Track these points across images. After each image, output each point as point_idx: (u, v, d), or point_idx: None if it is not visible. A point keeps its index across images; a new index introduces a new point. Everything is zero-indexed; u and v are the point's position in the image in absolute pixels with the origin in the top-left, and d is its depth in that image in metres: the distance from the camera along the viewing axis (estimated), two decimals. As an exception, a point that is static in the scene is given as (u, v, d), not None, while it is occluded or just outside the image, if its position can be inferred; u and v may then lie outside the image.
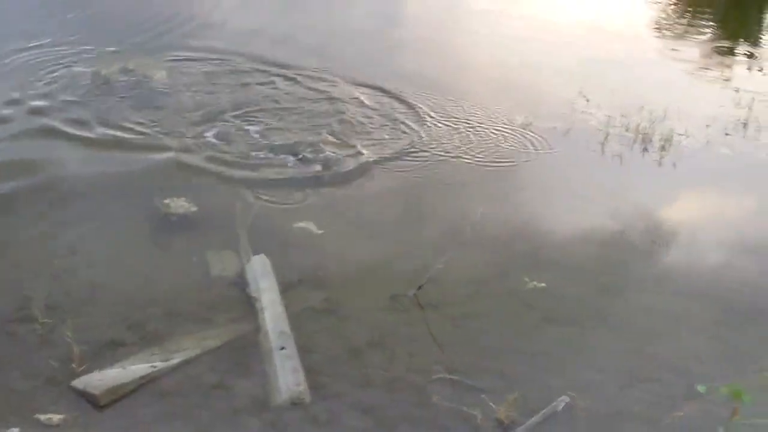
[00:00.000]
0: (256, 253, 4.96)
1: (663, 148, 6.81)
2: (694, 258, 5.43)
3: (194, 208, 5.36)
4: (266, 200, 5.64)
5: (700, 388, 3.68)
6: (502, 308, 4.82)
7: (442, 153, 6.55)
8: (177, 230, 5.18)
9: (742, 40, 10.27)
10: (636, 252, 5.45)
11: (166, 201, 5.38)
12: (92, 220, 5.27)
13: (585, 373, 4.30)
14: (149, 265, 4.88)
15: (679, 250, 5.53)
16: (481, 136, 6.89)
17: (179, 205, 5.35)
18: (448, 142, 6.75)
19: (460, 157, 6.52)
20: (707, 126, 7.19)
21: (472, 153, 6.59)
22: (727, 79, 8.58)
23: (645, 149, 6.83)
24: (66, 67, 7.54)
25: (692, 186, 6.38)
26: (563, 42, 9.52)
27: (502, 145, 6.78)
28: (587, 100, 7.59)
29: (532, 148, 6.74)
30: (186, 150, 6.25)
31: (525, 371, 4.30)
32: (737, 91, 8.02)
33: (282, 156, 6.27)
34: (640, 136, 6.94)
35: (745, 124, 7.31)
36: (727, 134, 7.14)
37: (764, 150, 6.88)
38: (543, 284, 4.94)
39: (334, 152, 6.36)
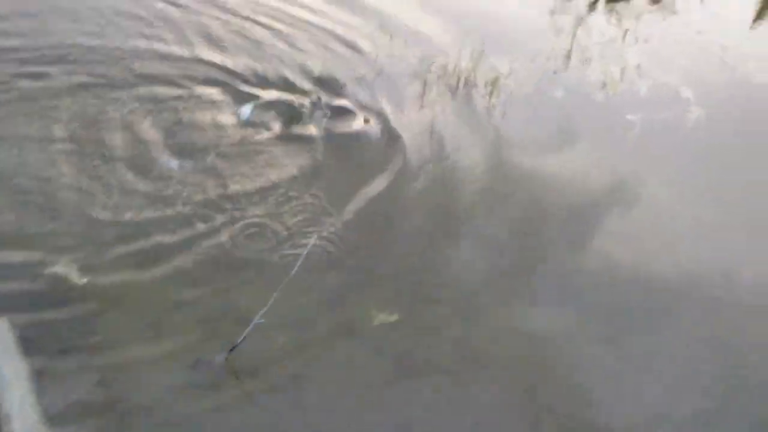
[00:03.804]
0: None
1: (490, 94, 5.76)
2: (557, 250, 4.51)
3: None
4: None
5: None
6: (343, 360, 3.61)
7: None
8: None
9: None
10: (492, 245, 4.41)
11: None
12: None
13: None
14: None
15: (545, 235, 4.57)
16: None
17: None
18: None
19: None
20: (531, 62, 6.18)
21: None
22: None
23: (469, 97, 5.74)
24: None
25: (532, 146, 5.31)
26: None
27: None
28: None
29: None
30: None
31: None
32: (552, 14, 7.10)
33: None
34: (462, 80, 5.83)
35: (568, 56, 6.39)
36: (555, 72, 6.17)
37: (597, 91, 6.00)
38: (395, 316, 3.78)
39: None
